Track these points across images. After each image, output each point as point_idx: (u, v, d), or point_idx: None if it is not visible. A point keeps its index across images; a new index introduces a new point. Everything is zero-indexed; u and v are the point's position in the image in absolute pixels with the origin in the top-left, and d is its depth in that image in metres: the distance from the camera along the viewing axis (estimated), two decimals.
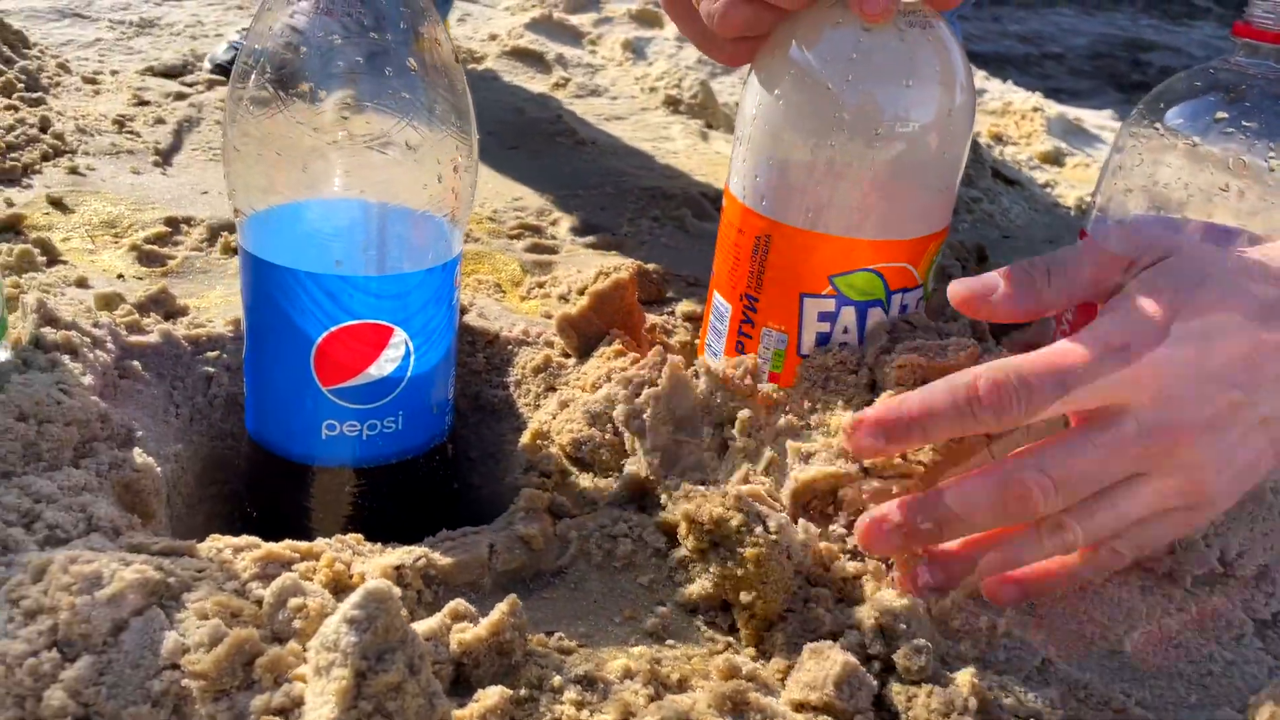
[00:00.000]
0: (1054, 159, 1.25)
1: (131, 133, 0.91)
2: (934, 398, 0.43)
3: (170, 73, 1.10)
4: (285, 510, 0.53)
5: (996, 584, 0.44)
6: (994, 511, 0.42)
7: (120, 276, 0.68)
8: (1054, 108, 1.44)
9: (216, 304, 0.66)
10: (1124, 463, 0.42)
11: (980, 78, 1.60)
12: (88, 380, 0.50)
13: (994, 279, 0.47)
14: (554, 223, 0.84)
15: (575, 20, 1.56)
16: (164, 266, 0.70)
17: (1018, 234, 0.91)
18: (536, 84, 1.25)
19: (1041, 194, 1.06)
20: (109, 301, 0.61)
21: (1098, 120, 1.51)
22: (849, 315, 0.52)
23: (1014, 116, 1.35)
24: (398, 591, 0.35)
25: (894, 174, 0.50)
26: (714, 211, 0.89)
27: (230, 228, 0.76)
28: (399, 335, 0.50)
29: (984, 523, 0.43)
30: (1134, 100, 0.67)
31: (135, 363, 0.56)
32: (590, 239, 0.80)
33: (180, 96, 1.03)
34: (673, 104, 1.19)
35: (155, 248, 0.72)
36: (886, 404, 0.44)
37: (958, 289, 0.47)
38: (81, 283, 0.65)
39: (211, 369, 0.59)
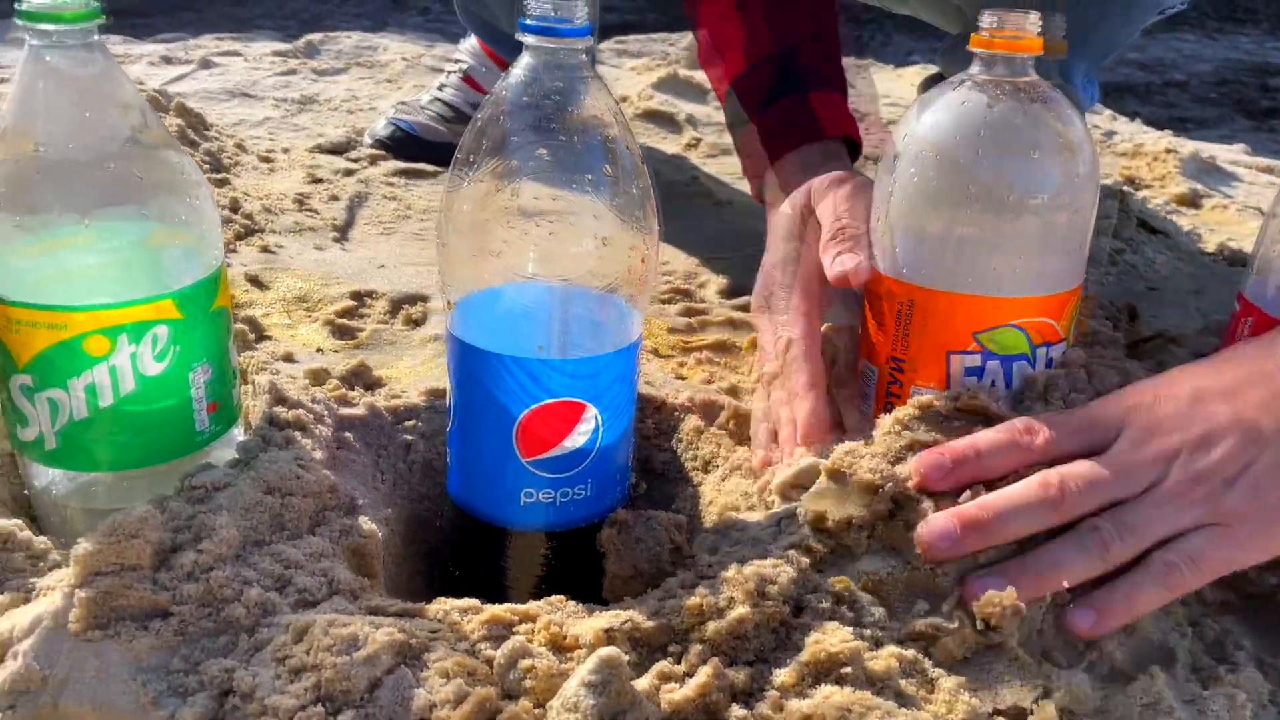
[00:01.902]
0: (1190, 201, 1.24)
1: (310, 210, 0.99)
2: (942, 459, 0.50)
3: (336, 149, 1.19)
4: (484, 569, 0.58)
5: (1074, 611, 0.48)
6: (1033, 514, 0.48)
7: (319, 350, 0.75)
8: (1187, 146, 1.43)
9: (406, 374, 0.72)
10: (1143, 474, 0.48)
11: (1107, 118, 1.60)
12: (318, 454, 0.56)
13: (962, 444, 0.51)
14: (702, 285, 0.88)
15: (699, 76, 1.62)
16: (355, 339, 0.77)
17: (1163, 285, 0.92)
18: (669, 144, 1.31)
19: (1185, 241, 1.05)
20: (318, 376, 0.68)
21: (1231, 156, 1.49)
22: (995, 369, 0.56)
23: (1146, 159, 1.34)
24: (625, 659, 0.40)
25: (1027, 238, 0.54)
26: None
27: (409, 300, 0.83)
28: (590, 411, 0.55)
29: (1023, 528, 0.48)
30: (1264, 129, 0.68)
31: (348, 434, 0.62)
32: (739, 301, 0.84)
33: (349, 173, 1.11)
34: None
35: (346, 321, 0.79)
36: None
37: (920, 462, 0.51)
38: (288, 357, 0.72)
39: (410, 437, 0.65)
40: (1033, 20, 0.53)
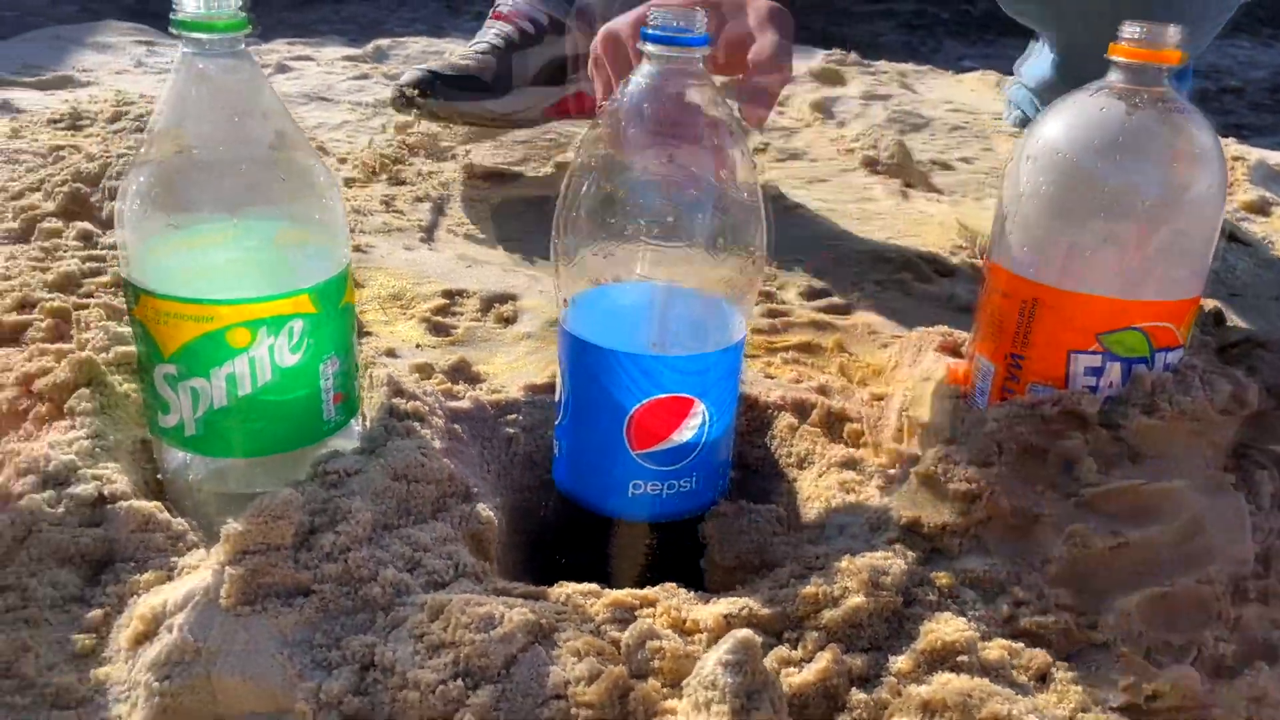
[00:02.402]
0: (1260, 209, 1.24)
1: (397, 211, 1.02)
2: None
3: (412, 150, 1.22)
4: (589, 557, 0.60)
5: None
6: None
7: (418, 346, 0.77)
8: (1253, 154, 1.42)
9: (502, 370, 0.75)
10: None
11: None
12: (437, 444, 0.58)
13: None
14: (781, 287, 0.90)
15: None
16: (450, 336, 0.79)
17: (1245, 291, 0.92)
18: None
19: (1262, 247, 1.06)
20: (423, 370, 0.70)
21: None
22: (1115, 371, 0.57)
23: None
24: (759, 640, 0.41)
25: (1158, 244, 0.56)
26: (932, 274, 0.93)
27: (499, 299, 0.85)
28: (699, 406, 0.57)
29: None
30: None
31: (457, 426, 0.64)
32: (819, 303, 0.86)
33: (430, 175, 1.14)
34: (871, 164, 1.24)
35: (440, 319, 0.82)
36: None
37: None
38: (390, 353, 0.74)
39: (512, 430, 0.68)
40: (1173, 32, 0.54)
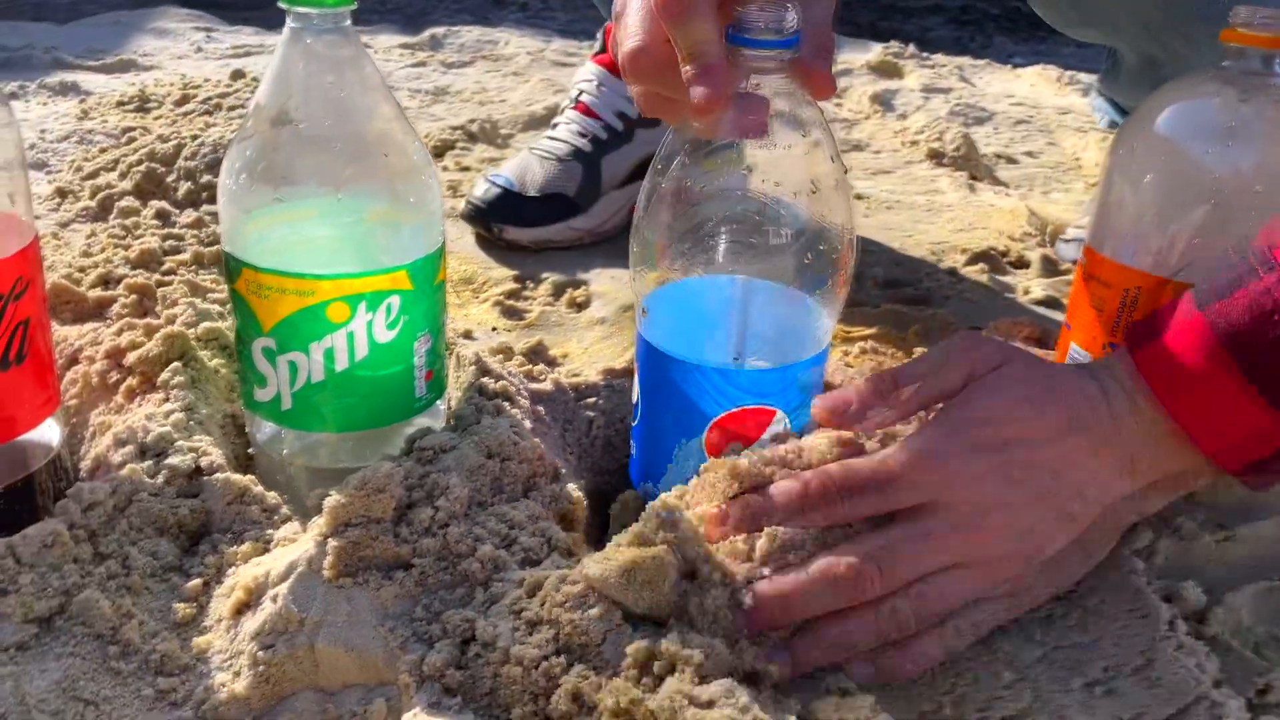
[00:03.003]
0: None
1: (462, 195, 1.02)
2: (779, 495, 0.48)
3: (473, 137, 1.23)
4: None
5: (852, 664, 0.47)
6: (829, 596, 0.46)
7: (494, 329, 0.77)
8: None
9: (578, 354, 0.75)
10: (941, 555, 0.46)
11: None
12: (526, 424, 0.58)
13: (850, 394, 0.51)
14: (857, 278, 0.89)
15: None
16: (524, 320, 0.79)
17: None
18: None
19: None
20: (503, 352, 0.70)
21: None
22: None
23: None
24: None
25: None
26: (1006, 266, 0.92)
27: (571, 285, 0.85)
28: (780, 415, 0.56)
29: (820, 607, 0.46)
30: None
31: (539, 408, 0.64)
32: (895, 293, 0.85)
33: (493, 161, 1.14)
34: (936, 156, 1.23)
35: (513, 303, 0.82)
36: (745, 499, 0.49)
37: (820, 405, 0.52)
38: (468, 334, 0.75)
39: (591, 414, 0.67)
40: None
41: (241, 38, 1.77)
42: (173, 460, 0.54)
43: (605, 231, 0.96)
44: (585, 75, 1.01)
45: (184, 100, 1.19)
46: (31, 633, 0.47)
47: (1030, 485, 0.47)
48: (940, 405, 0.50)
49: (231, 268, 0.53)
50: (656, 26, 0.51)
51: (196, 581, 0.50)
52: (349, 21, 0.51)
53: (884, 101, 1.47)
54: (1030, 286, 0.88)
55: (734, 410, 0.56)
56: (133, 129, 1.11)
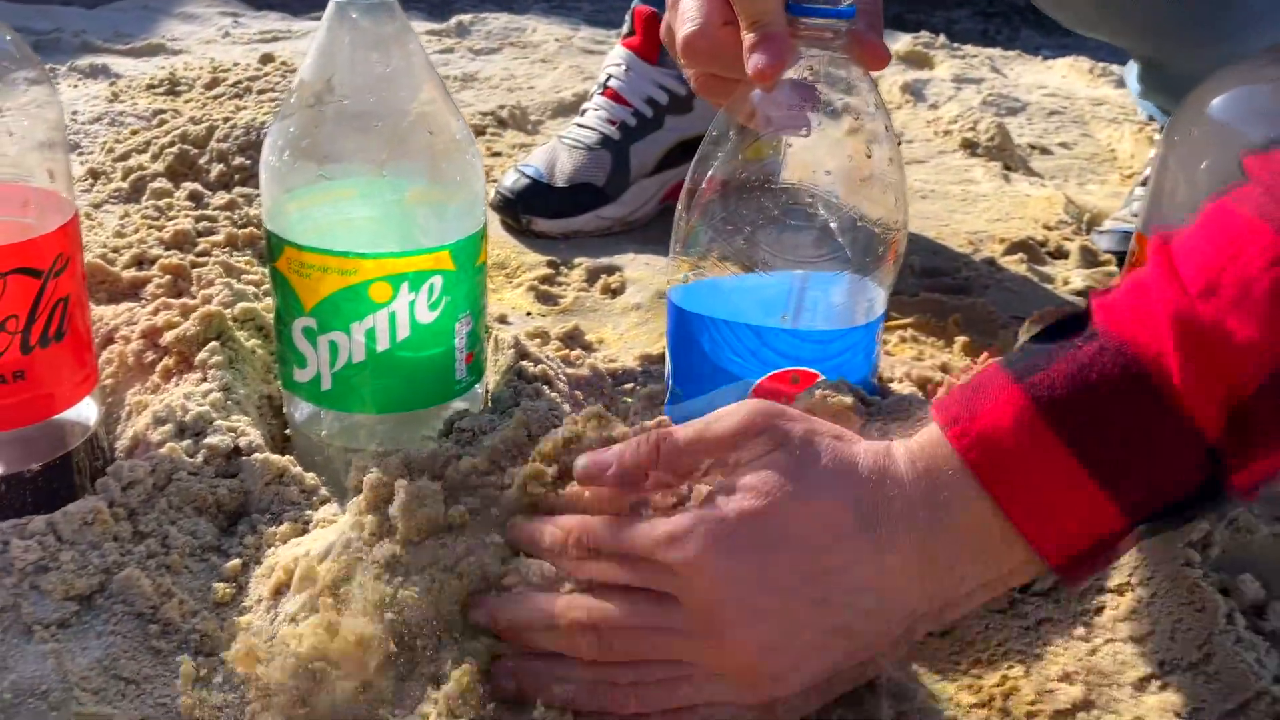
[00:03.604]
0: None
1: (492, 180, 1.02)
2: (547, 535, 0.44)
3: (503, 123, 1.22)
4: None
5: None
6: (551, 634, 0.43)
7: (529, 314, 0.77)
8: None
9: (614, 340, 0.74)
10: (669, 649, 0.42)
11: None
12: (565, 407, 0.57)
13: (611, 457, 0.45)
14: None
15: None
16: (558, 305, 0.79)
17: None
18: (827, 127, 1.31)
19: None
20: (538, 337, 0.70)
21: None
22: None
23: None
24: None
25: None
26: (1044, 256, 0.91)
27: (605, 270, 0.84)
28: (821, 380, 0.55)
29: (545, 641, 0.43)
30: None
31: (577, 392, 0.63)
32: (934, 282, 0.84)
33: (523, 148, 1.13)
34: (970, 147, 1.21)
35: (547, 288, 0.81)
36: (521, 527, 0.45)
37: (581, 463, 0.45)
38: (503, 319, 0.74)
39: (629, 399, 0.67)
40: None
41: (268, 23, 1.77)
42: (211, 440, 0.54)
43: (635, 220, 0.95)
44: (614, 60, 1.00)
45: (213, 84, 1.19)
46: (72, 610, 0.46)
47: (796, 591, 0.40)
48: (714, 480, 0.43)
49: (273, 246, 0.52)
50: (712, 9, 0.51)
51: (235, 562, 0.50)
52: None
53: (915, 91, 1.46)
54: (1069, 277, 0.86)
55: (778, 373, 0.55)
56: (163, 111, 1.10)
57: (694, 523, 0.41)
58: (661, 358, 0.70)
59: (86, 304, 0.55)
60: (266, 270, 0.54)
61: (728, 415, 0.43)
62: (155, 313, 0.65)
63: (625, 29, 1.00)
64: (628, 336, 0.74)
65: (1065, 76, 1.69)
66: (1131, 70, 0.99)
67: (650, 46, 0.95)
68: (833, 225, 0.55)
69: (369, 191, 0.52)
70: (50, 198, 0.52)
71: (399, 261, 0.51)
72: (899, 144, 0.55)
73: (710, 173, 0.56)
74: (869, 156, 0.54)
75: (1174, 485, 0.37)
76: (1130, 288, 0.39)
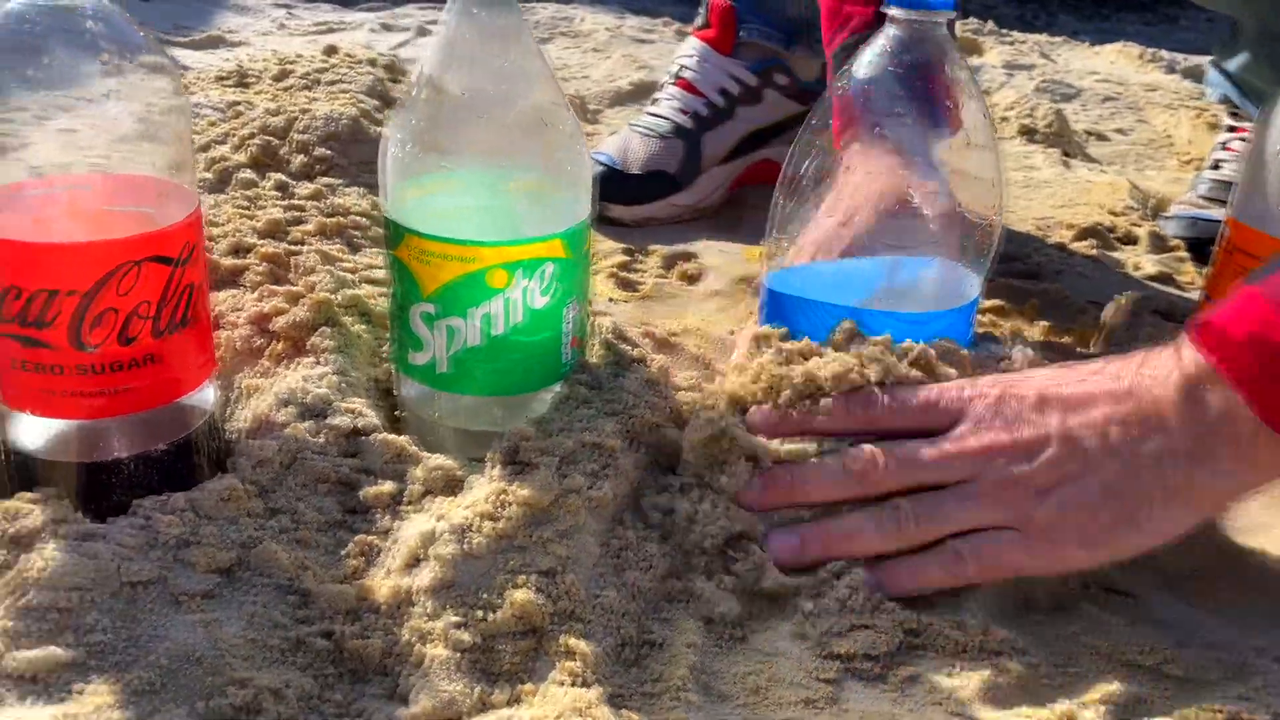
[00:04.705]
0: None
1: None
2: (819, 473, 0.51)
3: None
4: None
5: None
6: (837, 479, 0.50)
7: (611, 300, 0.78)
8: None
9: (692, 326, 0.76)
10: (959, 466, 0.48)
11: None
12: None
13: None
14: None
15: None
16: (638, 291, 0.81)
17: None
18: None
19: None
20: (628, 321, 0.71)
21: None
22: None
23: None
24: None
25: None
26: (1114, 241, 0.92)
27: (681, 257, 0.86)
28: None
29: (827, 491, 0.50)
30: None
31: (674, 373, 0.65)
32: (1007, 268, 0.85)
33: (588, 135, 1.15)
34: (1028, 133, 1.22)
35: (625, 275, 0.83)
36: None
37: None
38: None
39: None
40: None
41: (320, 14, 1.79)
42: (333, 420, 0.56)
43: (705, 207, 0.97)
44: (687, 51, 1.01)
45: (282, 75, 1.21)
46: (215, 581, 0.49)
47: (1080, 444, 0.46)
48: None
49: (393, 234, 0.54)
50: None
51: (362, 537, 0.52)
52: None
53: None
54: (1140, 262, 0.87)
55: None
56: (237, 103, 1.13)
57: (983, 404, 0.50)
58: None
59: (208, 292, 0.57)
60: (384, 257, 0.56)
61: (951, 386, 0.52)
62: (261, 299, 0.67)
63: (699, 21, 1.02)
64: (710, 322, 0.76)
65: (1114, 62, 1.69)
66: (1234, 53, 0.98)
67: (725, 38, 0.97)
68: (930, 210, 0.57)
69: (488, 181, 0.53)
70: (179, 189, 0.54)
71: (516, 249, 0.53)
72: (994, 131, 0.56)
73: (809, 158, 0.58)
74: (967, 145, 0.56)
75: None
76: None
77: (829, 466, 0.50)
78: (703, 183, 0.96)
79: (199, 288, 0.56)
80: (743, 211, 0.98)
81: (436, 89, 0.52)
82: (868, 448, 0.50)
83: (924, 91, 0.55)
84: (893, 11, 0.54)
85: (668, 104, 0.98)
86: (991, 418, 0.49)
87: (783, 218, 0.58)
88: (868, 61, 0.55)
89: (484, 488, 0.50)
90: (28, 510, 0.50)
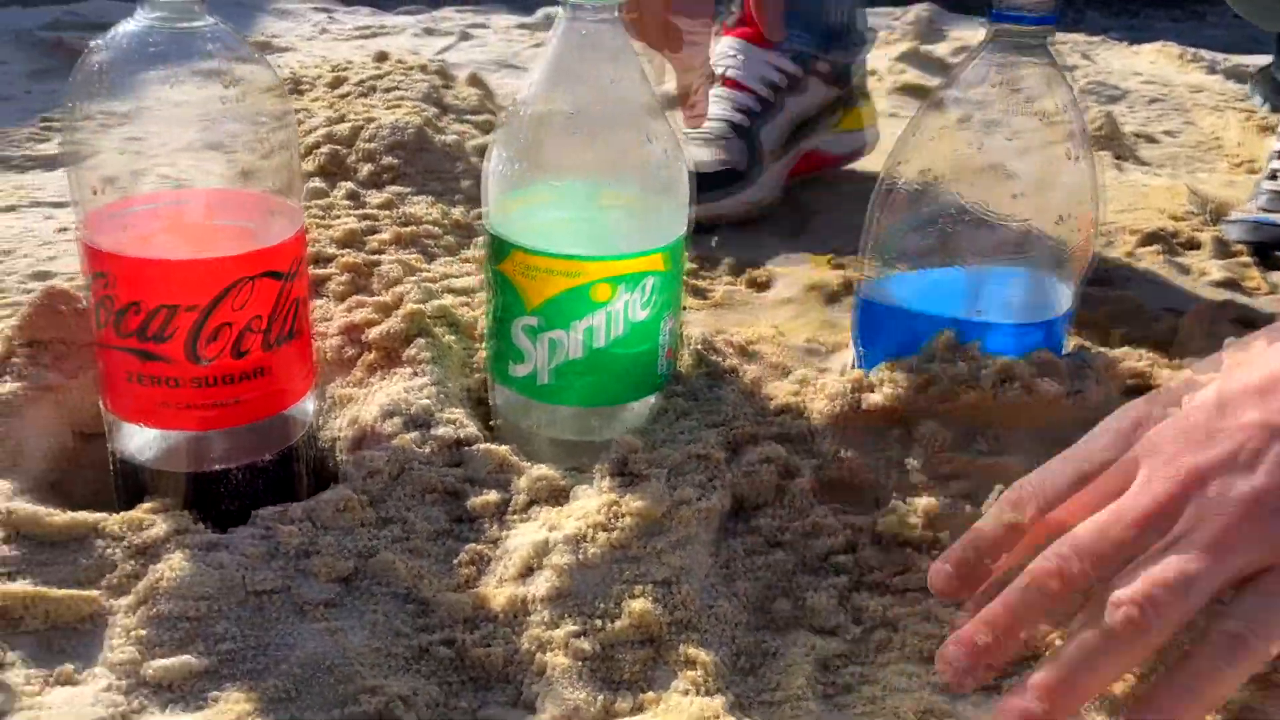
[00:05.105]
0: None
1: None
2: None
3: None
4: None
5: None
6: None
7: (685, 308, 0.79)
8: None
9: (767, 334, 0.77)
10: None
11: None
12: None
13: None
14: None
15: (939, 50, 1.62)
16: (709, 299, 0.81)
17: None
18: None
19: None
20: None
21: None
22: None
23: None
24: None
25: None
26: (1177, 247, 0.92)
27: (749, 264, 0.87)
28: None
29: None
30: None
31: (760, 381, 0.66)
32: None
33: None
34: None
35: (695, 282, 0.84)
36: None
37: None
38: None
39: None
40: None
41: (360, 19, 1.80)
42: (438, 431, 0.57)
43: (769, 203, 0.98)
44: (726, 50, 1.02)
45: (337, 82, 1.22)
46: (336, 591, 0.50)
47: None
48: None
49: (497, 249, 0.55)
50: None
51: (472, 547, 0.53)
52: (618, 13, 0.53)
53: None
54: (1206, 268, 0.88)
55: None
56: (295, 110, 1.14)
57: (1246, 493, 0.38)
58: (823, 352, 0.72)
59: (310, 305, 0.59)
60: (485, 270, 0.57)
61: (1102, 433, 0.43)
62: (351, 310, 0.69)
63: (733, 19, 1.03)
64: (786, 330, 0.77)
65: (1154, 62, 1.68)
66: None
67: (761, 30, 0.99)
68: (1025, 223, 0.57)
69: (593, 197, 0.54)
70: (288, 205, 0.56)
71: (620, 264, 0.54)
72: (1091, 144, 0.57)
73: (907, 166, 0.58)
74: (1066, 158, 0.57)
75: None
76: None
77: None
78: (766, 179, 0.97)
79: (304, 301, 0.57)
80: (801, 214, 0.99)
81: (544, 105, 0.53)
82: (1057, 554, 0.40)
83: (1024, 107, 0.56)
84: (997, 26, 0.55)
85: (717, 106, 0.98)
86: (1177, 437, 0.40)
87: (881, 227, 0.59)
88: (966, 74, 0.56)
89: (595, 498, 0.51)
90: (150, 521, 0.51)
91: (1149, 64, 1.68)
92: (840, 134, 1.06)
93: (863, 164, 1.09)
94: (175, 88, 0.51)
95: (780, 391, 0.59)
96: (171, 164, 0.53)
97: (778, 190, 0.99)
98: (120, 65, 0.51)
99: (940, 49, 1.63)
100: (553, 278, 0.54)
